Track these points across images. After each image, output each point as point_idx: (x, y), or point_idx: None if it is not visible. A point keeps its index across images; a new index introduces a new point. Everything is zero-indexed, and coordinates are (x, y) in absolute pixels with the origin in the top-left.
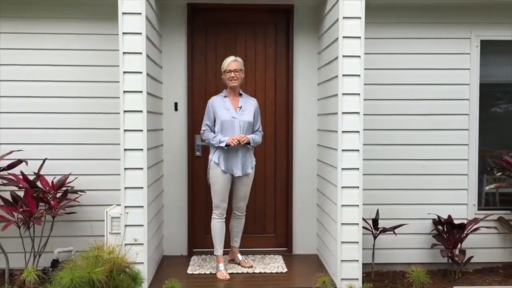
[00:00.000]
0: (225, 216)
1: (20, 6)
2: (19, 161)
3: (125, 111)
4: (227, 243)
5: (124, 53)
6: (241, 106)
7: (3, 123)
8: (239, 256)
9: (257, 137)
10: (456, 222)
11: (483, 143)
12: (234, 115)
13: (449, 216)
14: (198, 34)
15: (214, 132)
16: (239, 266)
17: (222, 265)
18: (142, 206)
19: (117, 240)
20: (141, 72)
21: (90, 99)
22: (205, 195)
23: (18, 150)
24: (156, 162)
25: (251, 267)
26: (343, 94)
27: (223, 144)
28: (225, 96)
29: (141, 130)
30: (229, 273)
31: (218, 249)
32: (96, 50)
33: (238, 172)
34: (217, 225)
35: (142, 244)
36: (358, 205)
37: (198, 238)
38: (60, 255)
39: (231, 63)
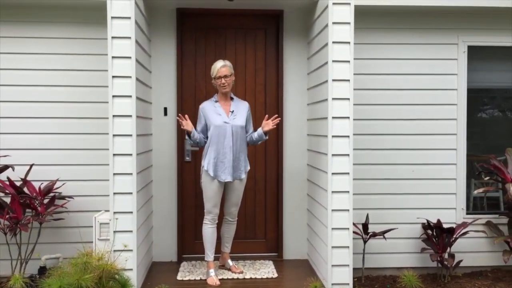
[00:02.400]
0: (217, 221)
1: (5, 10)
2: (5, 167)
3: (114, 116)
4: (217, 249)
5: (113, 57)
6: (233, 111)
7: None
8: (230, 262)
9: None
10: (445, 226)
11: (470, 148)
12: (226, 120)
13: (438, 220)
14: (187, 38)
15: (207, 139)
16: (230, 272)
17: (213, 271)
18: (131, 212)
19: (105, 247)
20: (130, 77)
21: (78, 104)
22: (194, 201)
23: (4, 156)
24: (146, 168)
25: (242, 272)
26: (333, 99)
27: (189, 139)
28: (216, 101)
29: (130, 135)
30: (220, 279)
31: (209, 254)
32: (84, 54)
33: (227, 178)
34: (208, 231)
35: (131, 250)
36: (348, 210)
37: (188, 244)
38: (47, 262)
39: (221, 69)
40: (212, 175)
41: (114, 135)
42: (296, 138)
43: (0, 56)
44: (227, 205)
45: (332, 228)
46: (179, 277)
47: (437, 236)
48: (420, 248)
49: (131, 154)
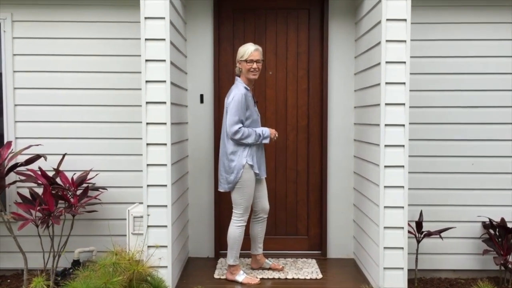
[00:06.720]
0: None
1: None
2: (37, 156)
3: (147, 103)
4: (246, 248)
5: (146, 39)
6: (257, 101)
7: (19, 116)
8: (268, 261)
9: None
10: (509, 225)
11: None
12: (257, 112)
13: (502, 219)
14: (225, 21)
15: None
16: (270, 271)
17: (243, 272)
18: (165, 206)
19: (139, 241)
20: (164, 60)
21: (112, 91)
22: None
23: (37, 145)
24: (181, 158)
25: (283, 269)
26: (387, 83)
27: (267, 141)
28: (248, 89)
29: (165, 123)
30: (260, 278)
31: (237, 258)
32: (118, 39)
33: (265, 173)
34: (242, 233)
35: (165, 246)
36: (403, 207)
37: (226, 240)
38: (81, 256)
39: (254, 52)
40: (257, 172)
41: (147, 123)
42: (342, 127)
43: (33, 40)
44: (261, 201)
45: (385, 227)
46: (216, 275)
47: (501, 237)
48: (480, 249)
49: (165, 144)
